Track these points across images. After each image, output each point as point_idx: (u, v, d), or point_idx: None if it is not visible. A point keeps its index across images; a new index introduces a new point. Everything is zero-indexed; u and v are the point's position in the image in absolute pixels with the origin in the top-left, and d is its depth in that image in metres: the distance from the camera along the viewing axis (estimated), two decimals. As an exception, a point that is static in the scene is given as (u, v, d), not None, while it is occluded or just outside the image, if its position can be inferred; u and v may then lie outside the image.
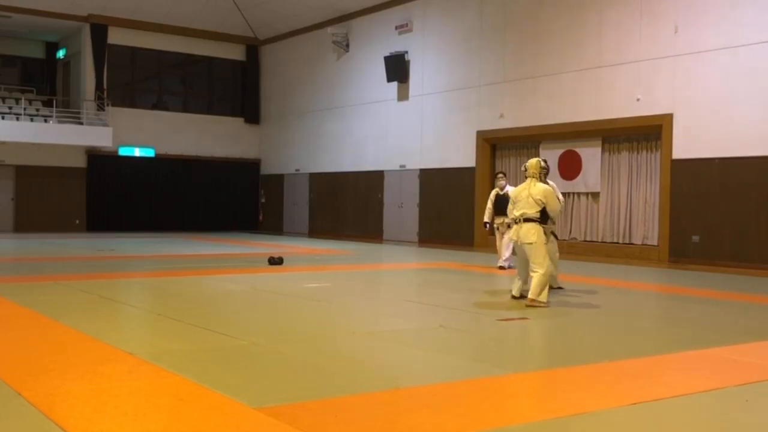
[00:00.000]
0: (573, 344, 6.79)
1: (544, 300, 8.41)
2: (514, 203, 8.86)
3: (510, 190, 12.98)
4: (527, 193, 8.69)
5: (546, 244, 8.62)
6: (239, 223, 27.36)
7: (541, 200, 8.58)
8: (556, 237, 10.22)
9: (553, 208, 8.64)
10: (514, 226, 8.77)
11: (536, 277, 8.43)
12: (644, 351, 6.27)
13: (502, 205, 12.96)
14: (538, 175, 8.80)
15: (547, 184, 9.18)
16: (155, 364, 5.20)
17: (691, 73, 15.03)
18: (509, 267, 12.76)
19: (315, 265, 13.86)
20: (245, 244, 19.55)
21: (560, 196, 9.67)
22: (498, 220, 12.98)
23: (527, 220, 8.59)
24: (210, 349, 5.92)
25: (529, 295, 8.46)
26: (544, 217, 8.64)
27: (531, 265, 8.57)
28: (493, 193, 13.27)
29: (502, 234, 12.98)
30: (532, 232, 8.54)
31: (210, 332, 6.61)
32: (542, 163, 8.93)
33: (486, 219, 13.39)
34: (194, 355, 5.72)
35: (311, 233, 25.07)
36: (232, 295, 9.43)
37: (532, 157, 9.67)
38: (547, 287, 8.52)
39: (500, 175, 13.46)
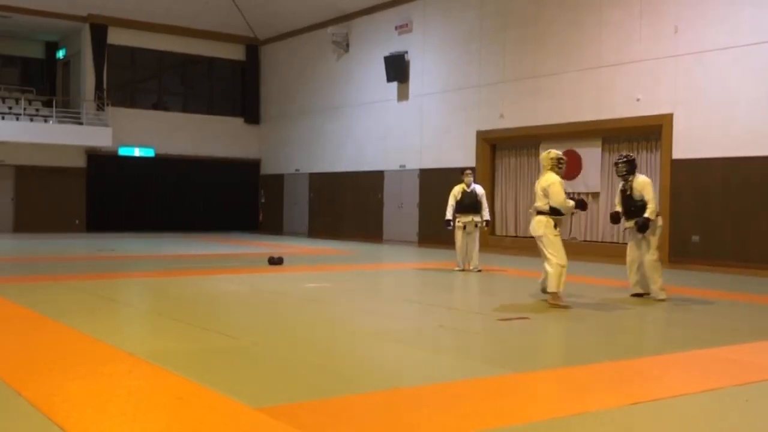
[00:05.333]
0: (573, 344, 6.79)
1: (561, 291, 8.31)
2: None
3: (476, 187, 12.95)
4: (538, 186, 8.63)
5: (557, 236, 8.45)
6: (239, 223, 27.33)
7: (546, 191, 8.47)
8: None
9: (555, 200, 8.41)
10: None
11: (549, 273, 8.38)
12: (644, 351, 6.27)
13: (467, 202, 12.81)
14: (549, 166, 8.58)
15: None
16: (155, 364, 5.20)
17: (691, 74, 15.02)
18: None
19: (315, 265, 13.86)
20: (245, 244, 19.54)
21: None
22: (465, 219, 12.62)
23: (539, 212, 8.56)
24: (210, 349, 5.92)
25: (548, 289, 8.40)
26: (555, 210, 8.47)
27: (544, 258, 8.48)
28: (459, 189, 12.69)
29: (469, 234, 12.63)
30: (539, 225, 8.52)
31: (210, 332, 6.61)
32: (551, 154, 8.67)
33: (447, 216, 12.80)
34: (194, 355, 5.72)
35: (311, 233, 25.06)
36: (232, 295, 9.43)
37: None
38: (562, 281, 8.34)
39: (467, 172, 12.96)
